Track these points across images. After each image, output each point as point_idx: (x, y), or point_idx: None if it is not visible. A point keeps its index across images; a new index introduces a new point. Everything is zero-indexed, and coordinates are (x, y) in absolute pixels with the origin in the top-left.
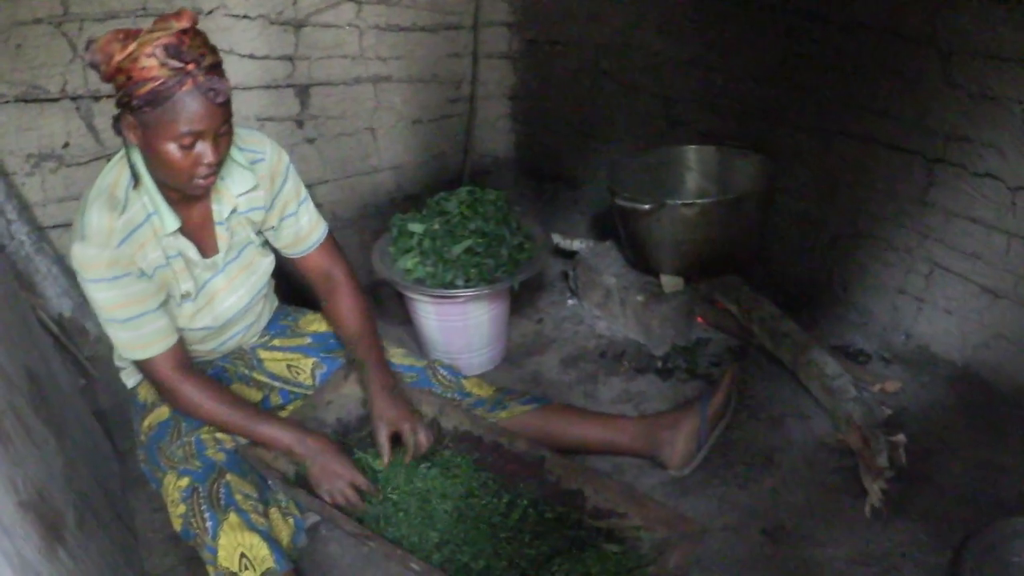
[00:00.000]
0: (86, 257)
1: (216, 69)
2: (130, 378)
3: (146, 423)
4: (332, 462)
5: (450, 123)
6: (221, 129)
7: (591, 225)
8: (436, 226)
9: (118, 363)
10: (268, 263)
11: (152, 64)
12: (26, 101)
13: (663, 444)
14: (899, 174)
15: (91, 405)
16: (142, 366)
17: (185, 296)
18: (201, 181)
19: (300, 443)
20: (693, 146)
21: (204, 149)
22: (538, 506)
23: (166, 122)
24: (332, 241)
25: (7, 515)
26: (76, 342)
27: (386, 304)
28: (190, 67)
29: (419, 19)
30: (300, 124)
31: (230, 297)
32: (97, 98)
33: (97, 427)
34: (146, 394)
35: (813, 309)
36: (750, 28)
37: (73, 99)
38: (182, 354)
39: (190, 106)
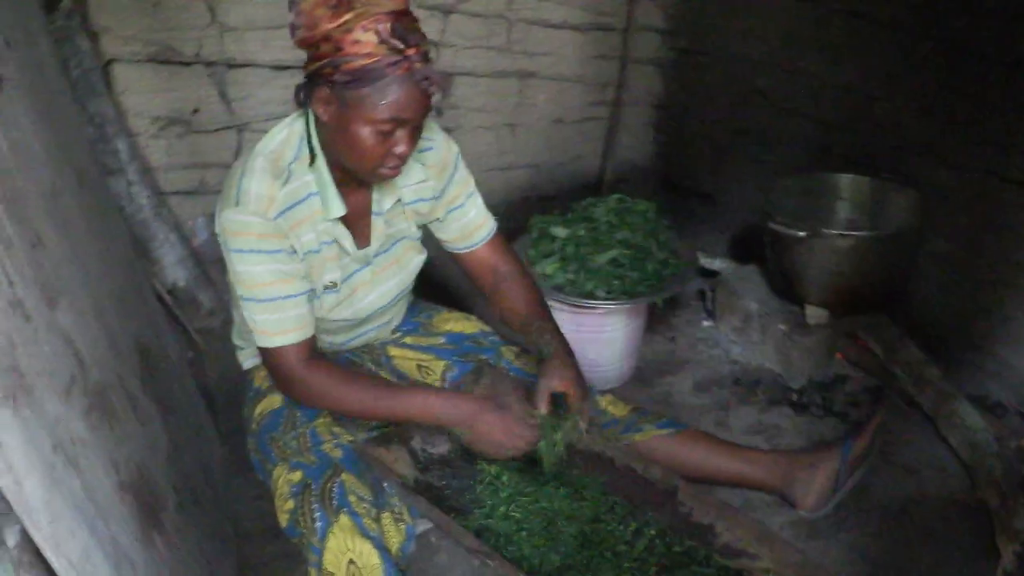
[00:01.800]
0: (238, 224)
1: (428, 58)
2: (247, 359)
3: (258, 410)
4: (491, 425)
5: (591, 126)
6: (421, 121)
7: (730, 246)
8: (581, 232)
9: (236, 341)
10: (419, 260)
11: (370, 39)
12: (158, 62)
13: (798, 483)
14: None
15: (198, 380)
16: (269, 354)
17: (329, 287)
18: (386, 171)
19: (452, 408)
20: (848, 175)
21: (400, 139)
22: (666, 538)
23: (370, 104)
24: (500, 239)
25: (105, 497)
26: (188, 313)
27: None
28: (410, 52)
29: (571, 17)
30: (439, 112)
31: (373, 292)
32: (231, 66)
33: (202, 405)
34: (262, 380)
35: (950, 355)
36: (910, 58)
37: (207, 65)
38: (314, 347)
39: (400, 92)
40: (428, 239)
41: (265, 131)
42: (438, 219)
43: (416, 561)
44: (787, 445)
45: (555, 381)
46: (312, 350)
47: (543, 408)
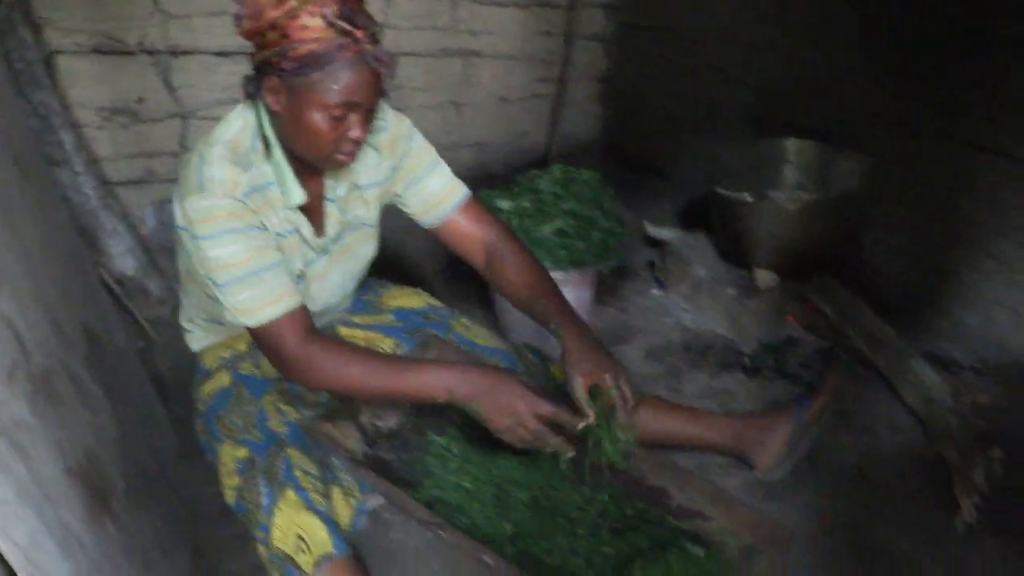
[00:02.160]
0: (204, 209)
1: (377, 40)
2: (195, 342)
3: (206, 390)
4: (505, 396)
5: (537, 103)
6: (374, 104)
7: (678, 215)
8: (526, 204)
9: (184, 324)
10: (369, 250)
11: (317, 24)
12: (102, 53)
13: (754, 445)
14: (1006, 184)
15: (148, 369)
16: (262, 333)
17: (299, 276)
18: (342, 156)
19: (462, 382)
20: (795, 140)
21: (354, 123)
22: (619, 501)
23: (321, 89)
24: (476, 204)
25: (52, 482)
26: (136, 303)
27: (466, 284)
28: (359, 34)
29: None
30: (384, 93)
31: (325, 281)
32: (176, 54)
33: (153, 393)
34: (211, 360)
35: (904, 315)
36: (864, 27)
37: (151, 54)
38: (309, 319)
39: (351, 75)
40: (391, 217)
41: (211, 118)
42: (398, 195)
43: (369, 538)
44: (740, 409)
45: (578, 379)
46: (307, 322)
47: (591, 415)
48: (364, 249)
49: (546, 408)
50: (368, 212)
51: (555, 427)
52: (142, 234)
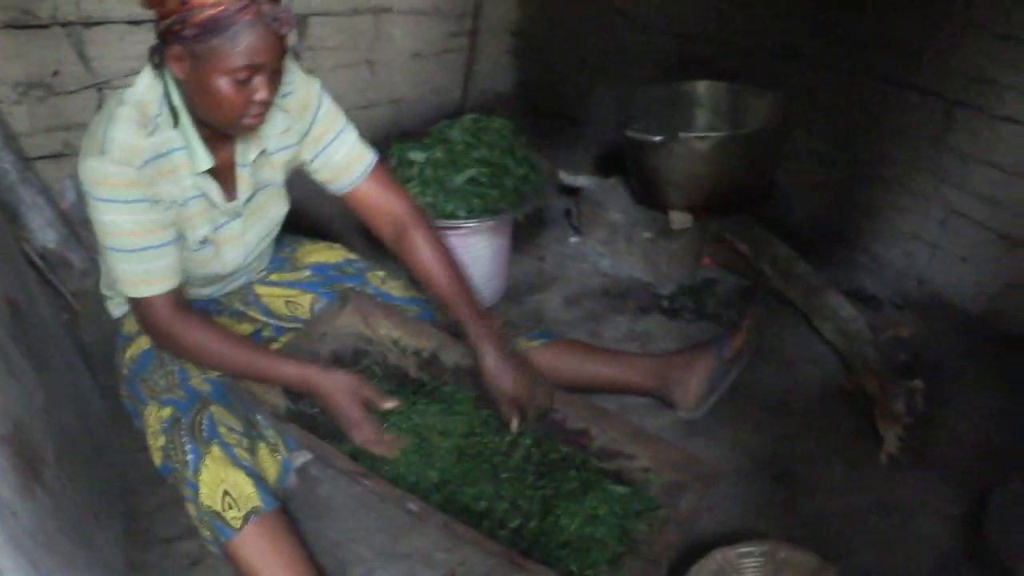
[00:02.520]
0: (103, 173)
1: (276, 0)
2: (116, 308)
3: (127, 355)
4: (337, 412)
5: (451, 58)
6: (278, 64)
7: (595, 164)
8: (438, 155)
9: (105, 291)
10: (279, 209)
11: None
12: (15, 27)
13: (675, 384)
14: (917, 116)
15: (74, 341)
16: (139, 306)
17: (203, 242)
18: (250, 120)
19: (307, 385)
20: (705, 81)
21: (259, 85)
22: (542, 445)
23: (223, 54)
24: (383, 172)
25: None
26: (60, 276)
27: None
28: None
29: None
30: (297, 55)
31: (239, 244)
32: (88, 25)
33: (80, 364)
34: (131, 326)
35: (823, 252)
36: None
37: (64, 25)
38: (183, 296)
39: (251, 37)
40: (300, 183)
41: (127, 87)
42: (306, 161)
43: (298, 494)
44: (661, 351)
45: (504, 401)
46: (180, 300)
47: (514, 426)
48: (275, 209)
49: (367, 392)
50: (275, 175)
51: None
52: (62, 208)
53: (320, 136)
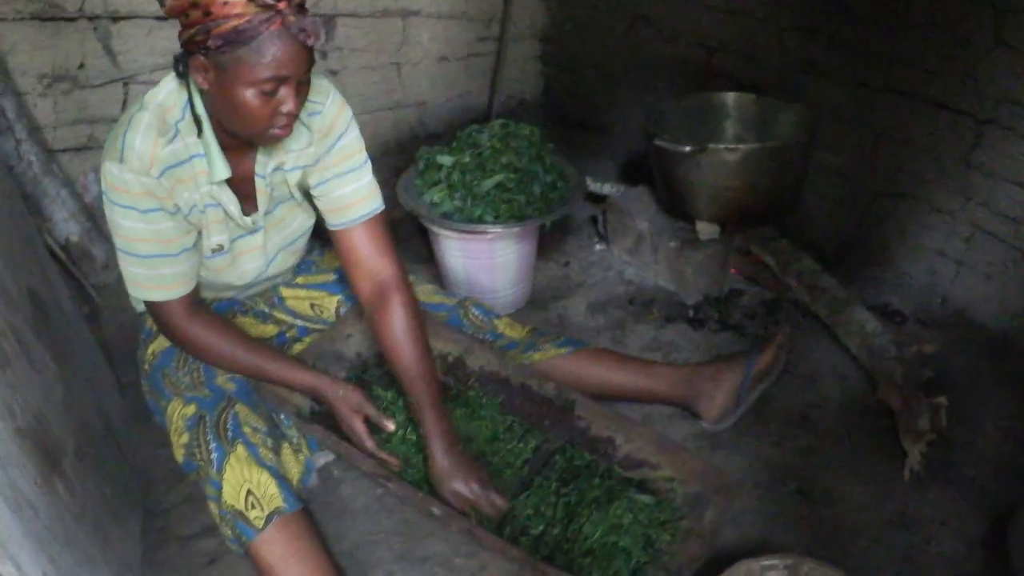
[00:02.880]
0: (120, 180)
1: (303, 9)
2: (139, 303)
3: (150, 350)
4: (341, 404)
5: (478, 62)
6: (305, 76)
7: (621, 172)
8: (467, 159)
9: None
10: (304, 220)
11: None
12: (42, 19)
13: (701, 395)
14: (945, 134)
15: (95, 335)
16: (152, 307)
17: (216, 250)
18: (277, 131)
19: (314, 390)
20: (734, 93)
21: (286, 96)
22: (566, 453)
23: (248, 65)
24: (381, 224)
25: (2, 442)
26: (82, 268)
27: (409, 241)
28: (281, 5)
29: None
30: (324, 55)
31: (259, 256)
32: (116, 19)
33: (100, 357)
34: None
35: (848, 268)
36: None
37: (90, 19)
38: (196, 299)
39: (277, 48)
40: None
41: (152, 83)
42: (311, 185)
43: (319, 495)
44: (685, 360)
45: (451, 498)
46: (194, 302)
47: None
48: (297, 222)
49: (369, 409)
50: (291, 190)
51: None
52: (86, 201)
53: (332, 165)
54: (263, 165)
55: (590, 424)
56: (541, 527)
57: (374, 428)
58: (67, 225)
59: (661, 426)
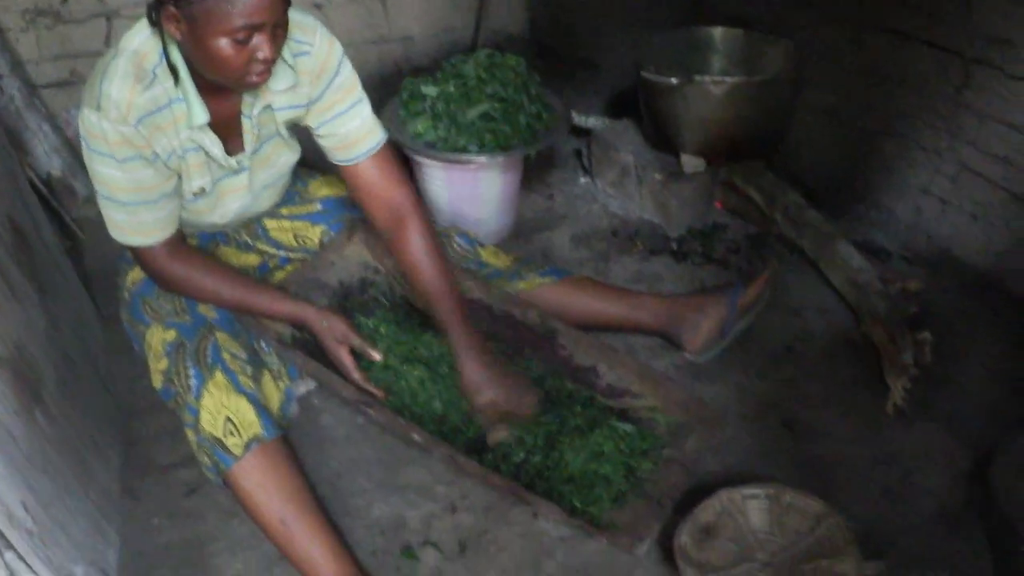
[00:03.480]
0: (97, 128)
1: None
2: None
3: (131, 278)
4: (326, 334)
5: None
6: (281, 19)
7: (606, 107)
8: (451, 89)
9: None
10: (288, 158)
11: None
12: None
13: (686, 326)
14: (933, 73)
15: (77, 268)
16: (133, 252)
17: (197, 194)
18: (255, 78)
19: (299, 318)
20: (721, 27)
21: (260, 43)
22: (549, 381)
23: (219, 16)
24: (388, 154)
25: None
26: (64, 202)
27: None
28: None
29: None
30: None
31: (244, 195)
32: None
33: (82, 290)
34: None
35: (833, 204)
36: None
37: None
38: (177, 240)
39: None
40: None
41: (135, 17)
42: (312, 127)
43: (300, 425)
44: (669, 292)
45: (483, 416)
46: (175, 245)
47: (493, 438)
48: (283, 159)
49: (354, 339)
50: (279, 128)
51: None
52: (68, 135)
53: (331, 106)
54: (250, 106)
55: (573, 353)
56: (522, 455)
57: (357, 355)
58: (49, 159)
59: (644, 357)
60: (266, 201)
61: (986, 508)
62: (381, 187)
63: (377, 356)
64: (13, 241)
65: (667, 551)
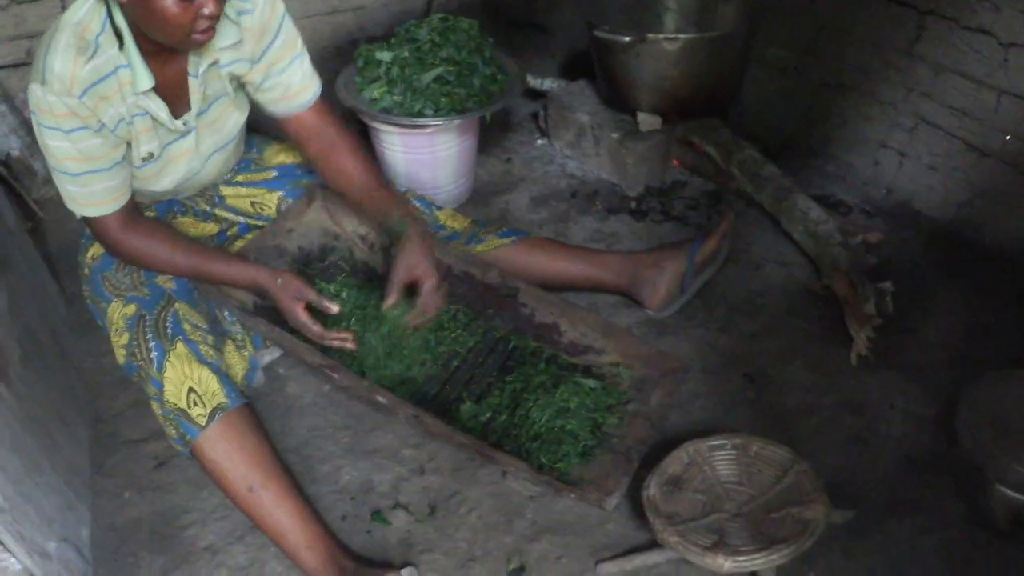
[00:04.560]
0: (45, 102)
1: None
2: None
3: (90, 253)
4: (282, 310)
5: None
6: None
7: (560, 70)
8: (405, 54)
9: None
10: (237, 118)
11: None
12: None
13: (644, 283)
14: (887, 25)
15: (39, 248)
16: (89, 224)
17: (146, 159)
18: (199, 36)
19: (255, 282)
20: None
21: (205, 0)
22: (511, 340)
23: None
24: (325, 101)
25: None
26: (24, 183)
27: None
28: None
29: None
30: None
31: (193, 159)
32: None
33: (45, 269)
34: None
35: (791, 160)
36: None
37: None
38: (131, 211)
39: None
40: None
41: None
42: (253, 83)
43: (266, 394)
44: (629, 251)
45: (403, 271)
46: (129, 213)
47: (389, 301)
48: (232, 120)
49: (310, 294)
50: (224, 85)
51: None
52: (26, 116)
53: (274, 62)
54: (195, 65)
55: (534, 311)
56: (488, 414)
57: (319, 317)
58: (7, 140)
59: (606, 314)
60: (216, 167)
61: (952, 453)
62: (319, 128)
63: (334, 308)
64: None
65: (636, 504)
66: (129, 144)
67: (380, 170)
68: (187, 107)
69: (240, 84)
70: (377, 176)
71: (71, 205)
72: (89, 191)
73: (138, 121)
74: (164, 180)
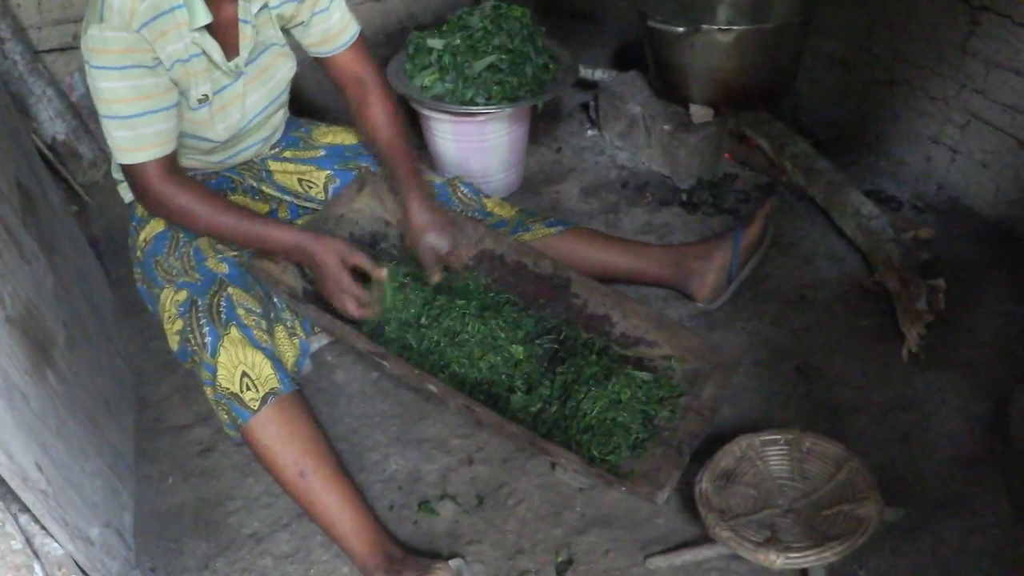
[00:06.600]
0: (101, 40)
1: None
2: (128, 192)
3: (141, 237)
4: (321, 280)
5: None
6: None
7: (611, 60)
8: (457, 41)
9: (116, 175)
10: (288, 68)
11: None
12: None
13: (692, 275)
14: (941, 21)
15: (85, 232)
16: (132, 173)
17: (202, 101)
18: None
19: (295, 249)
20: None
21: None
22: (563, 330)
23: None
24: (363, 43)
25: None
26: (70, 167)
27: None
28: None
29: None
30: None
31: (245, 105)
32: None
33: (90, 253)
34: (144, 209)
35: (843, 154)
36: None
37: None
38: (175, 163)
39: None
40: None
41: None
42: (303, 23)
43: (313, 381)
44: (680, 242)
45: (425, 242)
46: (172, 165)
47: (435, 278)
48: (281, 70)
49: (357, 258)
50: (276, 32)
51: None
52: (72, 100)
53: (316, 2)
54: (246, 10)
55: (586, 302)
56: (539, 405)
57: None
58: (53, 124)
59: (656, 307)
60: (264, 122)
61: (1004, 452)
62: (356, 69)
63: (382, 273)
64: (21, 203)
65: (687, 499)
66: (181, 94)
67: (403, 126)
68: (237, 52)
69: (287, 31)
70: (397, 133)
71: (119, 154)
72: (138, 134)
73: (195, 61)
74: (218, 127)
